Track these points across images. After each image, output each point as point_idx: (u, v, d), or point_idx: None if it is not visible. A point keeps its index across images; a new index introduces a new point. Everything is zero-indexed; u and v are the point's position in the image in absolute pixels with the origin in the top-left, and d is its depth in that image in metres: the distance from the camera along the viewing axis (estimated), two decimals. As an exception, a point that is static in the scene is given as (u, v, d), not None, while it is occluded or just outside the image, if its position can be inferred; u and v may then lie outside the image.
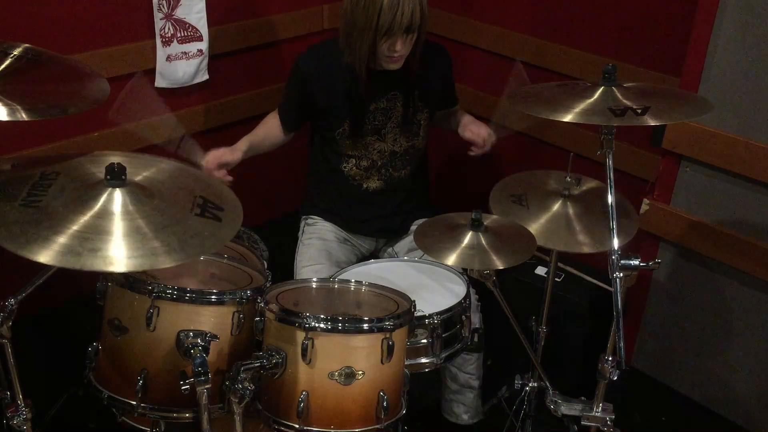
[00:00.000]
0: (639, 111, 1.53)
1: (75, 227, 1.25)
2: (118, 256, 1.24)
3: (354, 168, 2.30)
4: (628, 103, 1.56)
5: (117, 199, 1.33)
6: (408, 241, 2.38)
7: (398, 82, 2.21)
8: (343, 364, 1.54)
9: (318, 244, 2.33)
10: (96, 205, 1.31)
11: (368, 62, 2.11)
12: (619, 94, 1.60)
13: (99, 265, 1.22)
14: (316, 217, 2.41)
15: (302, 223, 2.44)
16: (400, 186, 2.35)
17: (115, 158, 1.41)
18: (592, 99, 1.60)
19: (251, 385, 1.47)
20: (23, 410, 1.52)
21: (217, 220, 1.38)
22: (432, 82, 2.28)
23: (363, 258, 2.43)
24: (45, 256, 1.20)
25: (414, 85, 2.24)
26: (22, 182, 1.35)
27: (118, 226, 1.29)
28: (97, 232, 1.26)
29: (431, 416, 2.38)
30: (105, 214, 1.30)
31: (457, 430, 2.34)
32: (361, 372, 1.55)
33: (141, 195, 1.35)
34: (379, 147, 2.27)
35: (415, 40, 2.09)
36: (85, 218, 1.28)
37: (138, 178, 1.41)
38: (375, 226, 2.39)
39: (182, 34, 2.50)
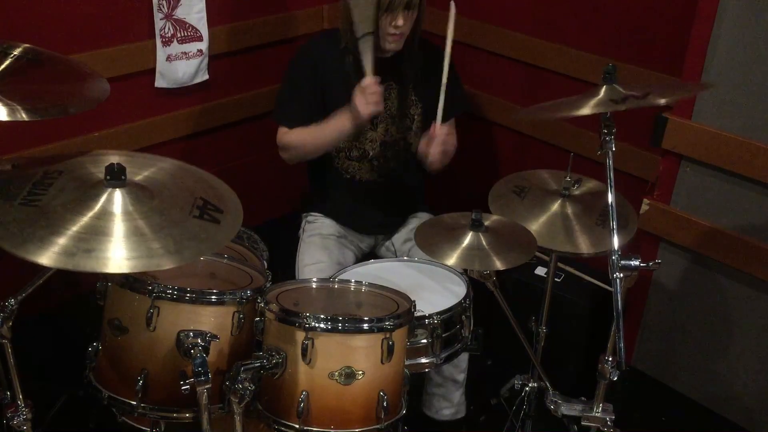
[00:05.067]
0: (640, 96, 1.57)
1: (73, 228, 1.25)
2: (113, 257, 1.24)
3: (345, 160, 2.30)
4: (629, 92, 1.60)
5: (116, 200, 1.32)
6: (405, 231, 2.38)
7: (395, 73, 2.24)
8: (343, 364, 1.54)
9: (319, 242, 2.33)
10: (95, 206, 1.30)
11: None
12: (621, 89, 1.63)
13: (93, 266, 1.22)
14: (317, 214, 2.42)
15: (303, 221, 2.44)
16: (393, 178, 2.35)
17: (115, 158, 1.41)
18: (597, 97, 1.62)
19: (251, 385, 1.47)
20: (23, 410, 1.52)
21: (215, 222, 1.38)
22: (430, 82, 2.28)
23: (363, 256, 2.44)
24: (41, 256, 1.19)
25: (410, 78, 2.27)
26: (23, 181, 1.34)
27: (116, 228, 1.28)
28: (95, 233, 1.26)
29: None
30: (103, 215, 1.30)
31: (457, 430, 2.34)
32: (361, 372, 1.55)
33: (140, 196, 1.35)
34: (371, 136, 2.28)
35: (414, 20, 2.14)
36: (83, 219, 1.28)
37: (138, 178, 1.41)
38: (372, 222, 2.40)
39: (182, 34, 2.50)
